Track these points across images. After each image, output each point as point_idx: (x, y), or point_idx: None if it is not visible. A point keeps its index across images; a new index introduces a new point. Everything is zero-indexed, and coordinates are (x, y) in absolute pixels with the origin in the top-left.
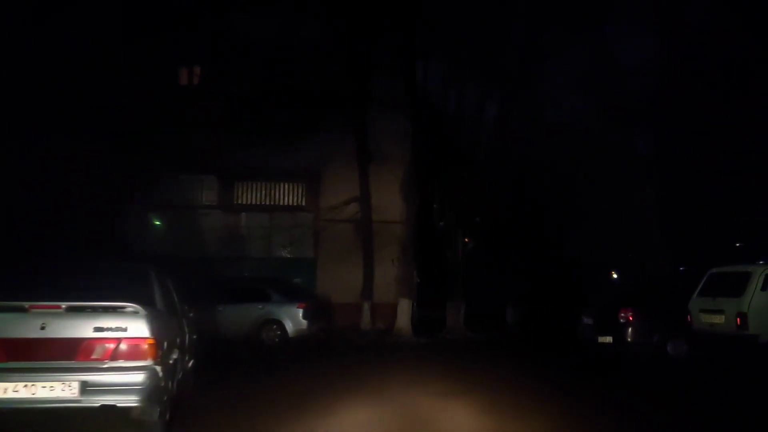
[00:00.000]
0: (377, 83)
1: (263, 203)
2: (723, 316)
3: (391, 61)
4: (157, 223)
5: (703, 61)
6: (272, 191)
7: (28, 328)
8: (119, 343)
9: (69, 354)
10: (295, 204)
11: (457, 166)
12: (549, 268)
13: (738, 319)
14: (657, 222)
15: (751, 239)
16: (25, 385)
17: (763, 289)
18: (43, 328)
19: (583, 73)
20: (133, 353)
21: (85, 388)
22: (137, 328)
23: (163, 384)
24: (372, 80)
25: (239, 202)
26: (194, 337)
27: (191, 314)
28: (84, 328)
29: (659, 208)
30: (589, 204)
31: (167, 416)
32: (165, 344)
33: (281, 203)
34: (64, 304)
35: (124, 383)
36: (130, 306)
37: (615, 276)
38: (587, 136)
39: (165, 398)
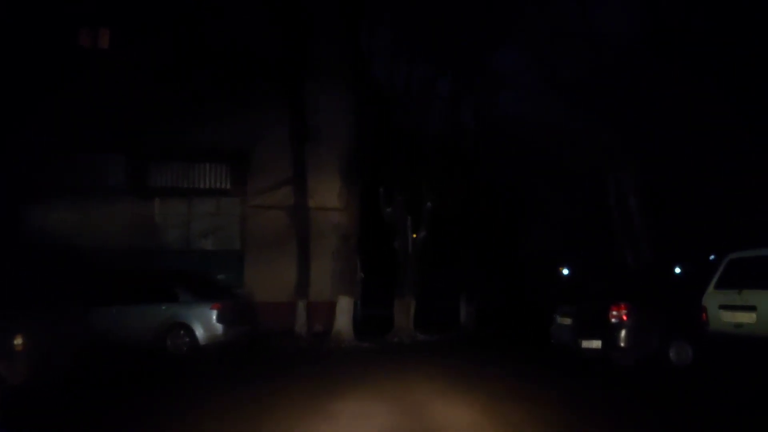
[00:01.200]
0: (317, 50)
1: (181, 186)
2: (755, 314)
3: (332, 25)
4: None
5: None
6: (192, 173)
7: None
8: None
9: None
10: (218, 187)
11: (406, 146)
12: (507, 261)
13: None
14: (639, 209)
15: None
16: None
17: None
18: None
19: (545, 52)
20: None
21: None
22: None
23: None
24: (310, 46)
25: (152, 185)
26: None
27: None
28: None
29: (641, 195)
30: (549, 194)
31: None
32: None
33: (202, 186)
34: None
35: None
36: None
37: (565, 272)
38: (550, 124)
39: None
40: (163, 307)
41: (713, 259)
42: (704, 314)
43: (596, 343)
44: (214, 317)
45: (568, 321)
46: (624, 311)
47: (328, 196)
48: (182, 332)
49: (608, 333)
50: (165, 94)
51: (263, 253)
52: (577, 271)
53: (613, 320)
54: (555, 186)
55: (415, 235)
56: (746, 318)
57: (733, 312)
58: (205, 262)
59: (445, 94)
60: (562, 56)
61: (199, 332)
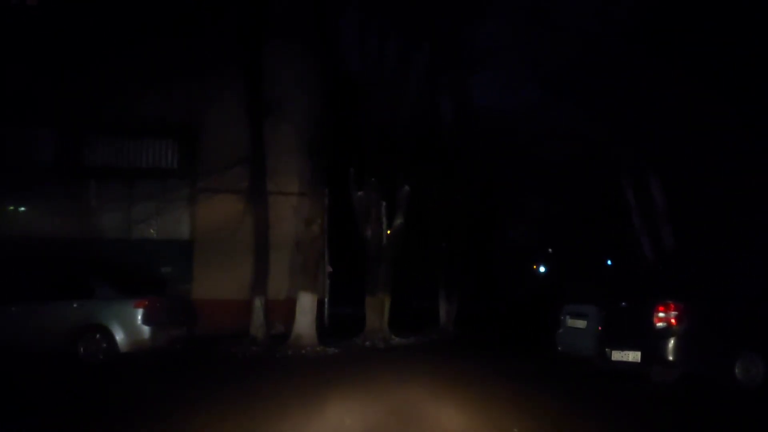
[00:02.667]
0: (277, 11)
1: (120, 166)
2: None
3: None
4: None
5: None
6: (133, 150)
7: None
8: None
9: None
10: (164, 167)
11: (378, 125)
12: (487, 256)
13: None
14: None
15: None
16: None
17: None
18: None
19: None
20: None
21: None
22: None
23: None
24: (270, 5)
25: (87, 163)
26: None
27: None
28: None
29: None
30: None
31: None
32: None
33: (145, 166)
34: None
35: None
36: None
37: (541, 269)
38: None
39: None
40: (75, 305)
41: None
42: None
43: (633, 355)
44: (139, 317)
45: (581, 324)
46: (675, 313)
47: (290, 178)
48: (98, 336)
49: (651, 341)
50: (103, 59)
51: (215, 244)
52: (556, 268)
53: (660, 325)
54: (535, 178)
55: (389, 231)
56: None
57: None
58: (147, 253)
59: (421, 71)
60: (544, 38)
61: (120, 336)
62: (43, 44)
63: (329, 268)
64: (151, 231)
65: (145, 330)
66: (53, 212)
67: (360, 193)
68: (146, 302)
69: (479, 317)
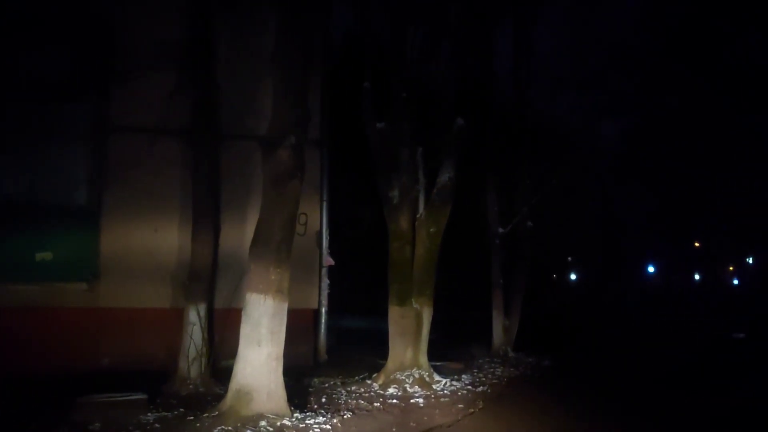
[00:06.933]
0: None
1: None
2: None
3: None
4: None
5: None
6: (6, 60)
7: None
8: None
9: None
10: (54, 88)
11: None
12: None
13: None
14: None
15: None
16: None
17: None
18: None
19: None
20: None
21: None
22: None
23: None
24: None
25: None
26: None
27: None
28: None
29: None
30: None
31: None
32: None
33: (25, 86)
34: None
35: None
36: None
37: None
38: None
39: None
40: None
41: None
42: None
43: None
44: None
45: None
46: None
47: (261, 113)
48: None
49: None
50: None
51: (136, 215)
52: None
53: None
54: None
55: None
56: None
57: None
58: (19, 224)
59: None
60: None
61: None
62: None
63: (329, 260)
64: (31, 190)
65: None
66: None
67: (381, 125)
68: None
69: (538, 332)
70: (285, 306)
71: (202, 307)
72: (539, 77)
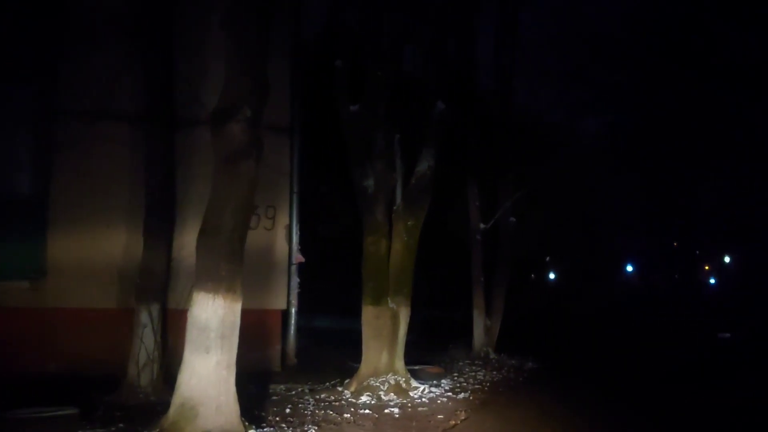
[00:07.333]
0: None
1: None
2: None
3: None
4: None
5: None
6: None
7: None
8: None
9: None
10: None
11: None
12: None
13: None
14: None
15: None
16: None
17: None
18: None
19: None
20: None
21: None
22: None
23: None
24: None
25: None
26: None
27: None
28: None
29: None
30: None
31: None
32: None
33: None
34: None
35: None
36: None
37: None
38: None
39: None
40: None
41: None
42: None
43: None
44: None
45: None
46: None
47: (217, 98)
48: None
49: None
50: None
51: (84, 206)
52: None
53: None
54: None
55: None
56: None
57: None
58: None
59: None
60: None
61: None
62: None
63: (299, 257)
64: None
65: None
66: None
67: (355, 108)
68: None
69: (520, 333)
70: (238, 306)
71: (155, 308)
72: (523, 68)
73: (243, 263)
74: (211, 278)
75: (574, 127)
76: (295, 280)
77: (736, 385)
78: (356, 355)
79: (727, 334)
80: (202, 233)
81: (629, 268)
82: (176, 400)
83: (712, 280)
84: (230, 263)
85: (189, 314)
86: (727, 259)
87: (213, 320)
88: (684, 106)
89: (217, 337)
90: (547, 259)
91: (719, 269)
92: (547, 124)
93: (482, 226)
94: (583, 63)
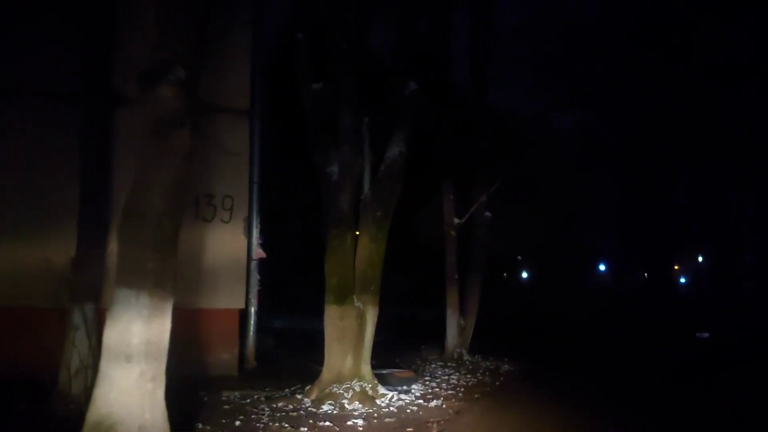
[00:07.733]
0: None
1: None
2: None
3: None
4: None
5: None
6: None
7: None
8: None
9: None
10: None
11: None
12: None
13: None
14: None
15: None
16: None
17: None
18: None
19: None
20: None
21: None
22: None
23: None
24: None
25: None
26: None
27: None
28: None
29: None
30: None
31: None
32: None
33: None
34: None
35: None
36: None
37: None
38: None
39: None
40: None
41: None
42: None
43: None
44: None
45: None
46: None
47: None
48: None
49: None
50: None
51: (14, 193)
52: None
53: None
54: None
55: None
56: None
57: None
58: None
59: None
60: None
61: None
62: None
63: (259, 252)
64: None
65: None
66: None
67: (318, 86)
68: None
69: (494, 333)
70: (168, 306)
71: (89, 308)
72: (498, 58)
73: (176, 255)
74: (135, 272)
75: (549, 122)
76: (255, 278)
77: (721, 385)
78: (323, 358)
79: (706, 334)
80: (125, 217)
81: (602, 267)
82: (90, 417)
83: (683, 280)
84: (159, 253)
85: (107, 315)
86: (700, 259)
87: (136, 322)
88: (660, 104)
89: (141, 342)
90: (519, 258)
91: (691, 269)
92: (522, 117)
93: (457, 220)
94: (559, 57)
